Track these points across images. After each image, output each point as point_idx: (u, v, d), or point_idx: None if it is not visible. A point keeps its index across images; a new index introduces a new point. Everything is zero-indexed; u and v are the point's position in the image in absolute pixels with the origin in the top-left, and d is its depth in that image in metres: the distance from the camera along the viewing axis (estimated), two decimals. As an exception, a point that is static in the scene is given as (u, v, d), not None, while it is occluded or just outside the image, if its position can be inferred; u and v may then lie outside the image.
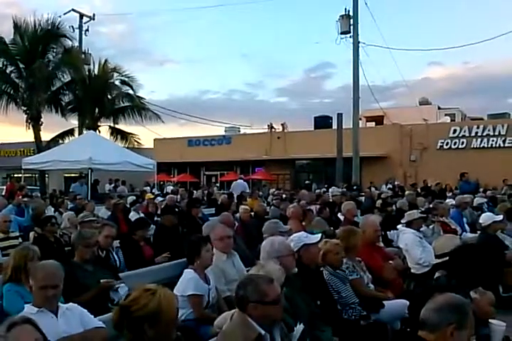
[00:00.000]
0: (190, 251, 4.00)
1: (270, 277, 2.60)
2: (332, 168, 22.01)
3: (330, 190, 15.40)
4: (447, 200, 9.41)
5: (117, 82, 22.49)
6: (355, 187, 17.93)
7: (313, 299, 3.53)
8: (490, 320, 3.11)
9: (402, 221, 6.60)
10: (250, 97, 76.72)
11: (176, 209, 9.60)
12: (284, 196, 13.39)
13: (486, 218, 6.46)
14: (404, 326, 2.49)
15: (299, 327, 2.70)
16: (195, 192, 16.48)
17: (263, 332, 2.35)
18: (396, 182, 19.96)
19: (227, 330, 2.42)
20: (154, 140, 31.57)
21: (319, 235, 4.18)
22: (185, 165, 29.91)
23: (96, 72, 22.19)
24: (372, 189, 17.34)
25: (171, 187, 21.41)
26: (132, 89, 22.38)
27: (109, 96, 22.36)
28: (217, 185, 25.47)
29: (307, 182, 24.36)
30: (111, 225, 5.44)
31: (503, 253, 6.06)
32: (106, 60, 22.14)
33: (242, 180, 18.51)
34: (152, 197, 11.93)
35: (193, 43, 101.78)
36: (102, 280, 4.01)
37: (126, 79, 22.13)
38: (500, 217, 6.49)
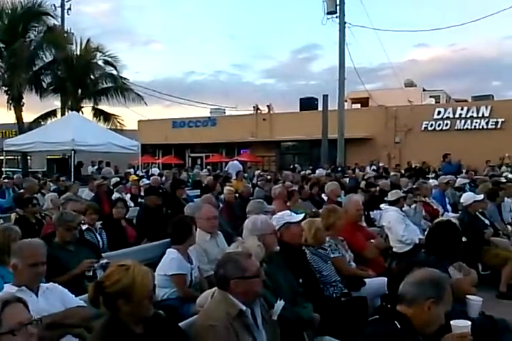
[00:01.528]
0: (181, 231, 3.98)
1: (248, 252, 2.62)
2: (318, 150, 22.08)
3: (317, 171, 15.44)
4: (430, 181, 9.51)
5: (100, 62, 22.14)
6: (339, 169, 18.04)
7: (296, 277, 3.57)
8: (467, 296, 3.17)
9: (385, 199, 6.67)
10: (236, 79, 76.28)
11: (161, 191, 9.57)
12: (269, 177, 13.41)
13: (467, 197, 6.54)
14: (384, 302, 2.53)
15: (280, 303, 2.72)
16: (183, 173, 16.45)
17: (244, 307, 2.37)
18: (380, 164, 20.13)
19: (209, 308, 2.44)
20: (138, 121, 31.29)
21: (302, 215, 4.20)
22: (170, 146, 29.75)
23: (78, 52, 21.75)
24: (357, 170, 17.48)
25: (157, 170, 21.34)
26: (116, 70, 22.04)
27: (91, 77, 22.00)
28: (205, 166, 25.42)
29: (296, 165, 24.38)
30: (75, 200, 5.46)
31: (482, 232, 6.17)
32: (88, 40, 21.72)
33: (237, 161, 19.11)
34: (136, 178, 11.88)
35: (178, 23, 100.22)
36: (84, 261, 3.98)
37: (109, 59, 21.78)
38: (481, 197, 6.58)
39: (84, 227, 5.31)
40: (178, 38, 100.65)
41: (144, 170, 20.42)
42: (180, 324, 2.68)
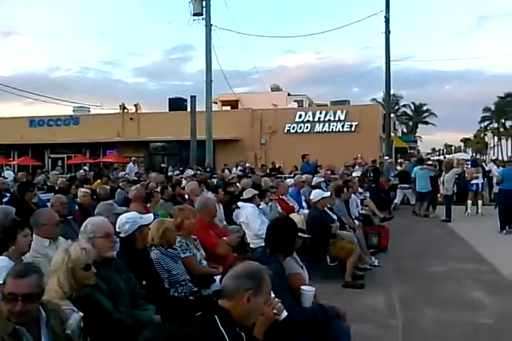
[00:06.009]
0: (4, 236, 3.64)
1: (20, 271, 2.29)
2: (187, 151, 22.00)
3: (184, 172, 15.37)
4: (288, 180, 10.01)
5: None
6: (208, 170, 18.17)
7: (139, 279, 3.46)
8: (301, 287, 3.35)
9: (241, 198, 6.87)
10: (106, 76, 73.08)
11: (9, 194, 8.81)
12: (134, 178, 13.05)
13: (315, 194, 6.94)
14: (215, 297, 2.56)
15: (75, 316, 2.50)
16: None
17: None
18: (247, 164, 20.71)
19: None
20: (-10, 120, 28.41)
21: (152, 215, 4.12)
22: (27, 147, 27.48)
23: None
24: (226, 171, 17.76)
25: (11, 172, 19.56)
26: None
27: None
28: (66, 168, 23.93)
29: (163, 165, 24.07)
30: None
31: (329, 226, 6.62)
32: None
33: (132, 164, 19.07)
34: (-18, 182, 10.70)
35: (43, 15, 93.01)
36: None
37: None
38: (328, 194, 7.06)
39: None
40: (42, 30, 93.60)
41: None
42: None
